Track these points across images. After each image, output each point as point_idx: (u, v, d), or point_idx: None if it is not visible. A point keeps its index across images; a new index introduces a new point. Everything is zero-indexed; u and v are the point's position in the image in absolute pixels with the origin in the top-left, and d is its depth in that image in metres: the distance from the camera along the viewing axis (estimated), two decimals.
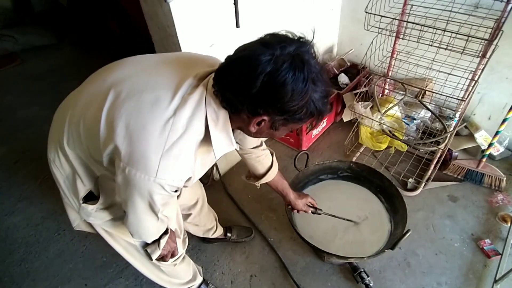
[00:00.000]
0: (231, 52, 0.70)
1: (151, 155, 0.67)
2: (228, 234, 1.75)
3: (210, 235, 1.66)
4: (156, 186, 0.70)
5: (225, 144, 0.77)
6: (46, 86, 3.02)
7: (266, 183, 1.26)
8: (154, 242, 0.95)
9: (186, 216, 1.42)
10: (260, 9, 1.71)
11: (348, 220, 1.55)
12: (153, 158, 0.67)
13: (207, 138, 0.74)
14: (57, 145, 0.86)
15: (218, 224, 1.68)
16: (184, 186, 0.77)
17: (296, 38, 0.66)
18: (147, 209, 0.78)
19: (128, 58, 0.85)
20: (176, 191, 0.75)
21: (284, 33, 0.67)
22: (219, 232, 1.70)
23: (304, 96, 0.64)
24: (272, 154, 1.23)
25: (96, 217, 0.95)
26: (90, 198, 0.93)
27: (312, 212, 1.44)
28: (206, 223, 1.58)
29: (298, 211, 1.40)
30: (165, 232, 0.96)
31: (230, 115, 0.73)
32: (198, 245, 1.78)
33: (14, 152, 2.41)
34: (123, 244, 1.08)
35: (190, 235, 1.77)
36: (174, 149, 0.68)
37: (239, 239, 1.77)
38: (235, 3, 1.25)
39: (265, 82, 0.62)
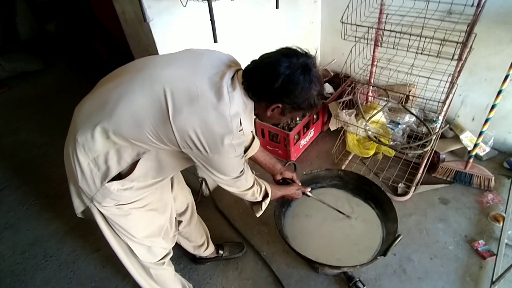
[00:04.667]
0: None
1: (226, 141, 0.91)
2: (220, 252, 1.72)
3: (201, 252, 1.63)
4: (236, 156, 0.98)
5: (249, 126, 1.01)
6: (33, 111, 3.01)
7: (255, 160, 1.41)
8: (257, 203, 1.26)
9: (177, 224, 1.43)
10: (237, 24, 1.75)
11: (340, 212, 1.56)
12: (228, 143, 0.91)
13: None
14: (96, 132, 0.91)
15: (209, 241, 1.65)
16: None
17: (304, 52, 0.93)
18: (234, 166, 1.02)
19: (157, 60, 1.00)
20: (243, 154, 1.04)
21: (295, 48, 0.93)
22: (210, 250, 1.67)
23: (308, 92, 0.91)
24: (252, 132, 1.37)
25: (112, 199, 1.01)
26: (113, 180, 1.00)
27: (303, 193, 1.48)
28: (197, 237, 1.56)
29: (287, 182, 1.46)
30: (266, 196, 1.25)
31: (255, 105, 0.98)
32: (189, 264, 1.74)
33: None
34: (123, 246, 1.15)
35: (182, 253, 1.74)
36: (238, 130, 0.94)
37: (231, 256, 1.73)
38: (212, 20, 1.28)
39: (284, 81, 0.88)
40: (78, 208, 1.07)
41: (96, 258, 1.82)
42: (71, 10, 3.03)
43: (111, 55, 2.94)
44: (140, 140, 0.92)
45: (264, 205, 1.26)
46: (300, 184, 1.46)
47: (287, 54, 0.90)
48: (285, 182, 1.45)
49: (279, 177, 1.44)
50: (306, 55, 0.92)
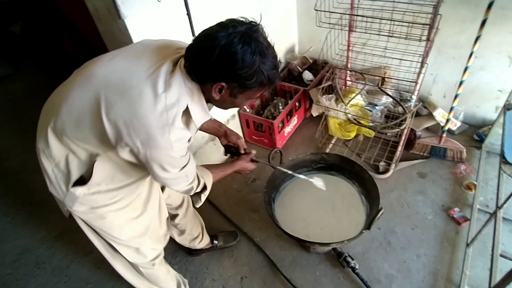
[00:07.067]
0: None
1: (160, 136, 0.81)
2: (215, 242, 1.76)
3: (196, 244, 1.66)
4: (174, 152, 0.86)
5: (202, 114, 0.90)
6: (5, 118, 2.89)
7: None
8: (195, 194, 1.13)
9: (173, 217, 1.45)
10: (213, 16, 1.75)
11: (302, 177, 1.50)
12: (163, 137, 0.82)
13: (186, 111, 0.86)
14: (49, 135, 0.89)
15: (204, 232, 1.68)
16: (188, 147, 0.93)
17: (247, 21, 0.81)
18: (175, 167, 0.92)
19: (104, 57, 0.92)
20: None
21: (238, 18, 0.81)
22: (205, 241, 1.70)
23: (252, 65, 0.78)
24: None
25: (81, 203, 0.97)
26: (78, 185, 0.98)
27: (252, 159, 1.36)
28: (192, 229, 1.58)
29: (232, 146, 1.36)
30: (205, 188, 1.13)
31: (201, 88, 0.87)
32: (185, 257, 1.78)
33: None
34: (108, 248, 1.14)
35: (177, 247, 1.77)
36: (176, 123, 0.83)
37: (226, 245, 1.78)
38: (188, 14, 1.29)
39: (221, 53, 0.76)
40: (66, 213, 1.05)
41: (90, 260, 1.82)
42: (37, 8, 2.89)
43: (84, 54, 2.85)
44: (84, 141, 0.87)
45: (204, 197, 1.17)
46: (245, 151, 1.34)
47: (225, 25, 0.79)
48: (230, 151, 1.36)
49: (224, 141, 1.37)
50: (249, 23, 0.80)
